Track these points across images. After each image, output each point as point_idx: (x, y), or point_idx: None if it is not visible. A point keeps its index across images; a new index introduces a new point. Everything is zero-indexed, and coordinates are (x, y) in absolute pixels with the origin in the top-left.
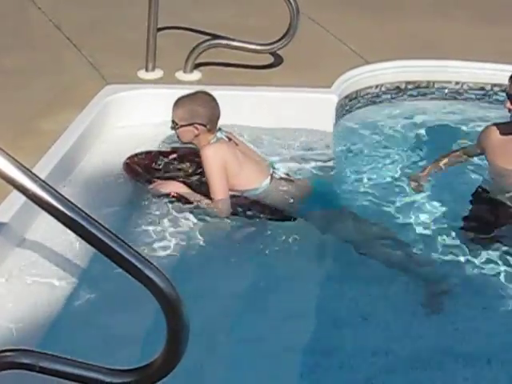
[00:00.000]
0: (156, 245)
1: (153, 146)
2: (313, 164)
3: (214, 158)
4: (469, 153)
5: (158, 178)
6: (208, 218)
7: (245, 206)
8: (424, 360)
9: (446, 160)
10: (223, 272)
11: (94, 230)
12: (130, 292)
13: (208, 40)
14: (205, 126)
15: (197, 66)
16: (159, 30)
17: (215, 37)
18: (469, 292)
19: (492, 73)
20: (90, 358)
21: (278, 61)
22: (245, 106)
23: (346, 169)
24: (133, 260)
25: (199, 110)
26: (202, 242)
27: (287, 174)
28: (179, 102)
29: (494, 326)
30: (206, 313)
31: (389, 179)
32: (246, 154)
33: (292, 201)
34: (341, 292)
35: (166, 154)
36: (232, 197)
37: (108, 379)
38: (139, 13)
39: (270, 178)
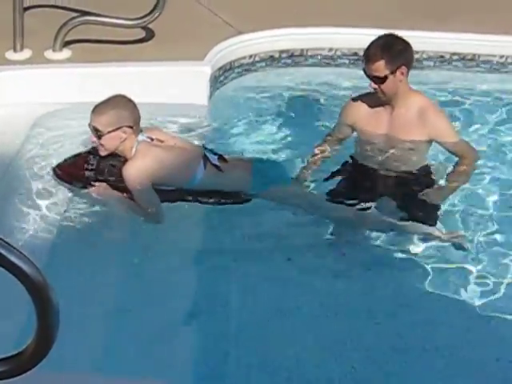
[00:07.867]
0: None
1: (24, 129)
2: (192, 138)
3: (135, 180)
4: (339, 135)
5: (91, 179)
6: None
7: (190, 195)
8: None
9: (316, 158)
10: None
11: None
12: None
13: (76, 17)
14: (132, 127)
15: (66, 43)
16: (26, 8)
17: (84, 13)
18: None
19: (364, 38)
20: None
21: (149, 35)
22: (116, 83)
23: (227, 139)
24: None
25: (124, 113)
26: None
27: (221, 156)
28: (100, 109)
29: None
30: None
31: (270, 146)
32: (171, 148)
33: (237, 182)
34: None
35: (95, 152)
36: (172, 191)
37: None
38: None
39: (202, 163)
